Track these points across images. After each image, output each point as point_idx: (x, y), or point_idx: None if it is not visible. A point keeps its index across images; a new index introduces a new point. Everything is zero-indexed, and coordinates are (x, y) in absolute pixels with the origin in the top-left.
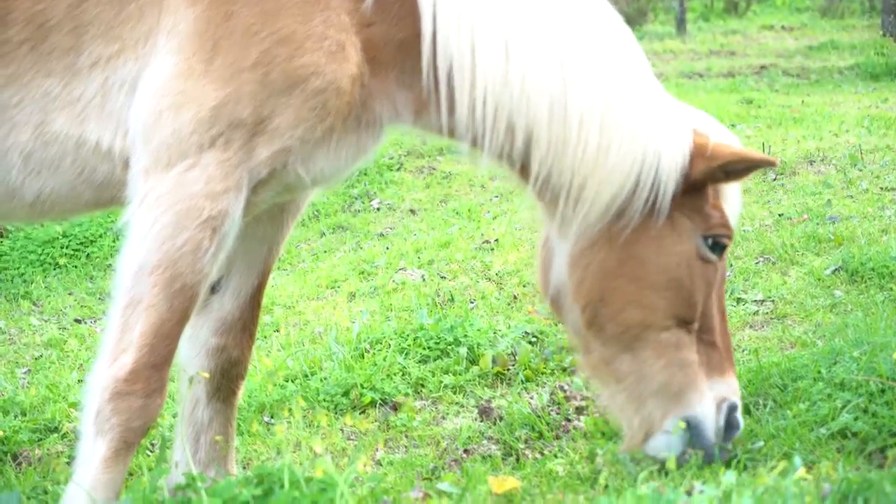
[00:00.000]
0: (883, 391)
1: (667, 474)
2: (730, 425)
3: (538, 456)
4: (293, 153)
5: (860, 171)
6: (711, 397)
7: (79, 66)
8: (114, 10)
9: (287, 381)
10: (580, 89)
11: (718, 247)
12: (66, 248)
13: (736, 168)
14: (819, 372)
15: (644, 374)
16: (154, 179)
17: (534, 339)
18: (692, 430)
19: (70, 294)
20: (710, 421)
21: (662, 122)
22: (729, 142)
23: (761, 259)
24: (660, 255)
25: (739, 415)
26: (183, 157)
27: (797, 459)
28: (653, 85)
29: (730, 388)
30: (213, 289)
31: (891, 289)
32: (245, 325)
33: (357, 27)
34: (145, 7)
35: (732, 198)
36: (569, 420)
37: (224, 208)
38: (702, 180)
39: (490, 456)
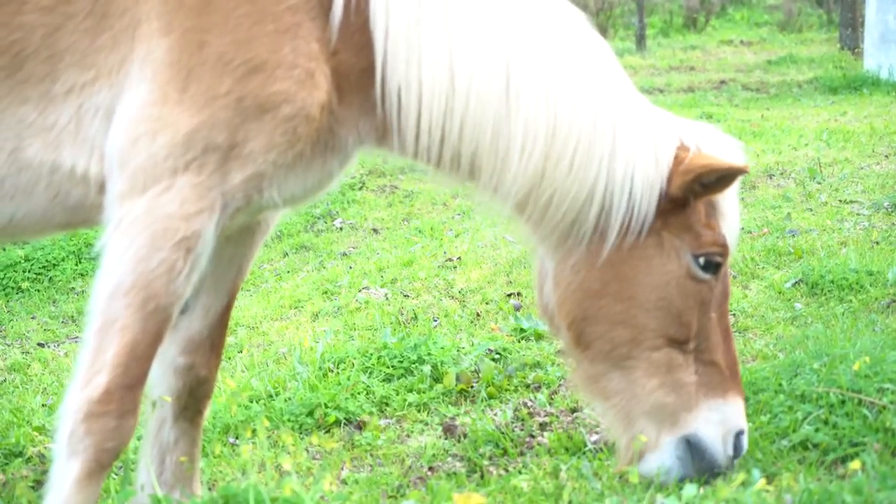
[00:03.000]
0: (843, 402)
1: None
2: (735, 449)
3: (502, 472)
4: (266, 177)
5: (819, 184)
6: (714, 418)
7: (54, 93)
8: (88, 38)
9: (251, 402)
10: (525, 116)
11: (712, 265)
12: (29, 272)
13: (710, 179)
14: (780, 384)
15: (635, 393)
16: (130, 203)
17: (497, 357)
18: (692, 450)
19: (33, 318)
20: (712, 441)
21: (633, 137)
22: (714, 152)
23: None
24: (647, 274)
25: (745, 438)
26: (158, 181)
27: (756, 472)
28: (624, 98)
29: (734, 411)
30: (182, 308)
31: (850, 301)
32: (213, 344)
33: (326, 55)
34: (119, 36)
35: (730, 211)
36: (532, 436)
37: (198, 229)
38: (682, 196)
39: (455, 473)
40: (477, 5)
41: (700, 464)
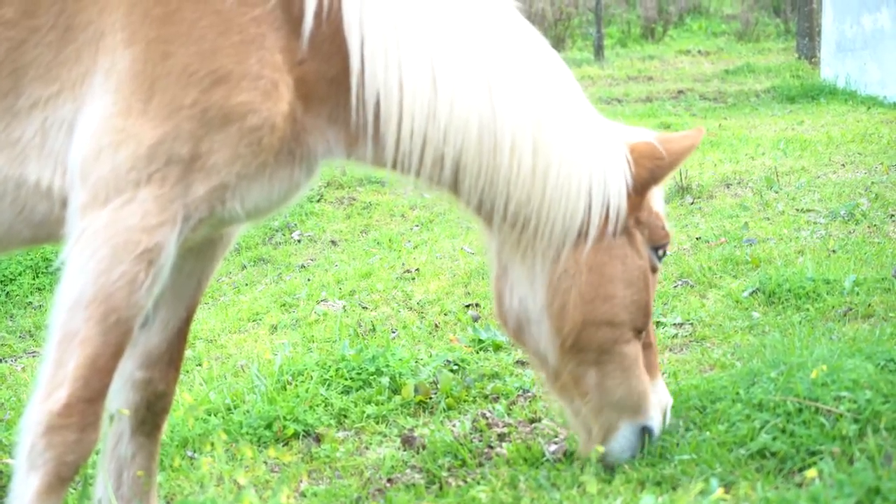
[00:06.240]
0: (800, 410)
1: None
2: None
3: (461, 483)
4: (229, 188)
5: (776, 193)
6: (655, 400)
7: (18, 107)
8: (52, 52)
9: (210, 415)
10: (510, 115)
11: (663, 254)
12: None
13: (686, 159)
14: (738, 393)
15: (607, 385)
16: (91, 216)
17: (455, 368)
18: (649, 435)
19: None
20: (658, 423)
21: (600, 138)
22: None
23: (680, 282)
24: (625, 272)
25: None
26: (120, 193)
27: (713, 481)
28: (584, 104)
29: (663, 387)
30: (141, 322)
31: (807, 309)
32: (171, 358)
33: (289, 66)
34: (83, 48)
35: (658, 199)
36: (491, 447)
37: (160, 241)
38: (653, 186)
39: (414, 485)
40: (450, 12)
41: (648, 442)
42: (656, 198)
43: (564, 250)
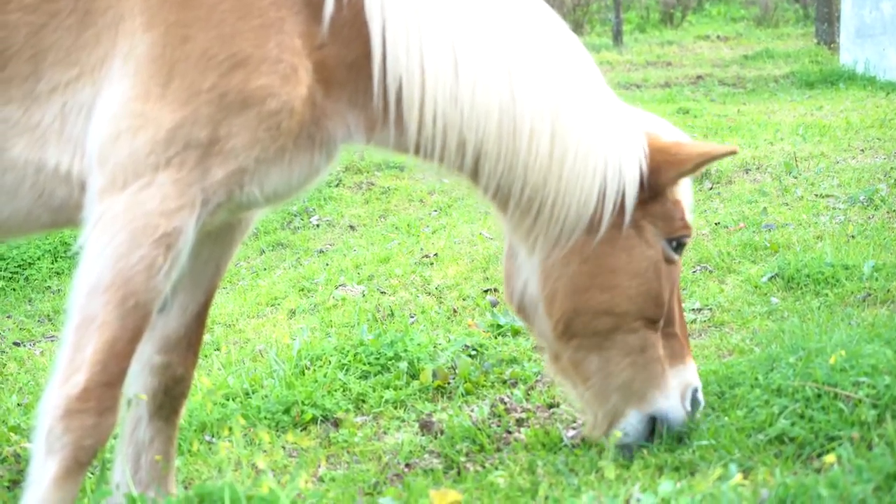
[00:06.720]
0: (819, 396)
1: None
2: (693, 404)
3: (479, 469)
4: (248, 173)
5: (795, 178)
6: (675, 387)
7: (38, 92)
8: (71, 36)
9: (228, 400)
10: (530, 100)
11: (681, 246)
12: (4, 271)
13: (704, 165)
14: (756, 378)
15: (609, 371)
16: (109, 200)
17: (474, 353)
18: (658, 422)
19: (8, 317)
20: (676, 411)
21: (618, 128)
22: (680, 139)
23: (698, 267)
24: (630, 263)
25: (700, 393)
26: (138, 177)
27: (732, 466)
28: (604, 91)
29: (690, 372)
30: (160, 307)
31: (826, 295)
32: (190, 342)
33: (308, 50)
34: (102, 32)
35: (686, 191)
36: (509, 432)
37: (179, 226)
38: (672, 184)
39: (432, 470)
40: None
41: (662, 429)
42: (682, 188)
43: (571, 238)
